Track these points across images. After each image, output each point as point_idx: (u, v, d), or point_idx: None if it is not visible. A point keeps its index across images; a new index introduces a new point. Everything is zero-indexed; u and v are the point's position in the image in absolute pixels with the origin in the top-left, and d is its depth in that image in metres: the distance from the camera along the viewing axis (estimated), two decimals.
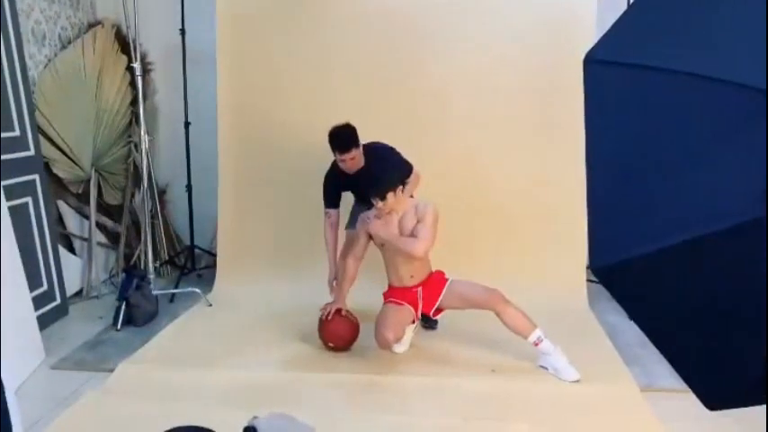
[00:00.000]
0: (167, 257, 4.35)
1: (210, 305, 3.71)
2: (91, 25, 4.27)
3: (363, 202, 3.16)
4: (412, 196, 3.15)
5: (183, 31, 3.99)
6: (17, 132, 3.31)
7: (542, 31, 3.71)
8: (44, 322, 3.30)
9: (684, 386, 0.94)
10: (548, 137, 3.77)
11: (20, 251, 2.96)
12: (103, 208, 4.23)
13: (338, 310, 3.02)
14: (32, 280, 3.21)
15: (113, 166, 4.18)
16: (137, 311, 3.44)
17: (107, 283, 4.16)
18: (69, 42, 4.06)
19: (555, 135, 3.74)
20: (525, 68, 3.75)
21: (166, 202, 4.51)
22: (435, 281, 2.96)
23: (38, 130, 3.55)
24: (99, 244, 4.12)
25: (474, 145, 3.81)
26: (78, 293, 3.95)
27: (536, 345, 2.78)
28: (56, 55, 3.96)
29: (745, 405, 0.94)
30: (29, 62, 3.59)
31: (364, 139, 3.12)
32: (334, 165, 3.16)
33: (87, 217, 4.07)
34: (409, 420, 2.43)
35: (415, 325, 3.06)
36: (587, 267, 3.57)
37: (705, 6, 0.84)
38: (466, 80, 3.77)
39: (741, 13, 0.79)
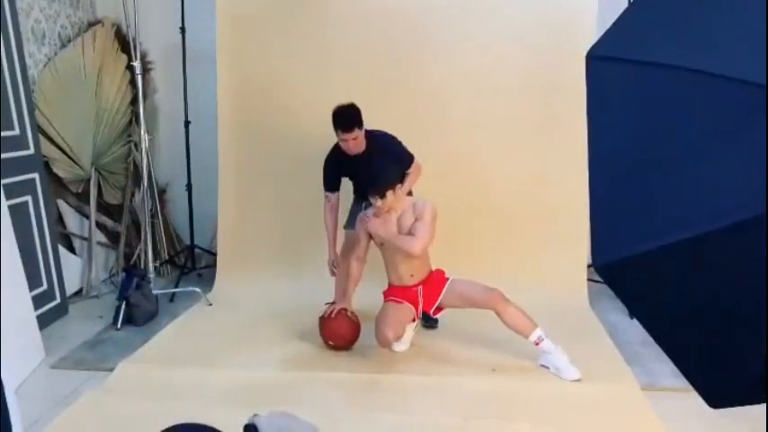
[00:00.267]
0: (167, 257, 4.35)
1: (211, 304, 3.71)
2: (91, 24, 4.27)
3: (361, 193, 3.16)
4: (410, 193, 3.16)
5: (183, 30, 3.99)
6: (17, 131, 3.31)
7: (542, 31, 3.71)
8: (44, 321, 3.29)
9: (685, 385, 0.94)
10: (548, 137, 3.76)
11: (19, 250, 2.96)
12: (103, 207, 4.22)
13: (342, 310, 3.01)
14: (32, 279, 3.20)
15: (113, 166, 4.17)
16: (137, 311, 3.43)
17: (107, 283, 4.15)
18: (69, 41, 4.06)
19: (555, 135, 3.74)
20: (525, 68, 3.75)
21: (166, 201, 4.51)
22: (436, 280, 2.96)
23: (38, 129, 3.55)
24: (99, 243, 4.12)
25: (474, 145, 3.81)
26: (78, 293, 3.94)
27: (537, 344, 2.78)
28: (56, 54, 3.95)
29: (746, 403, 0.94)
30: (28, 61, 3.59)
31: None
32: (335, 148, 3.16)
33: (87, 216, 4.06)
34: (410, 420, 2.43)
35: (415, 324, 3.06)
36: (588, 266, 3.58)
37: (705, 3, 0.84)
38: (466, 80, 3.77)
39: (741, 9, 0.79)
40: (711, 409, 0.97)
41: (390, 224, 2.90)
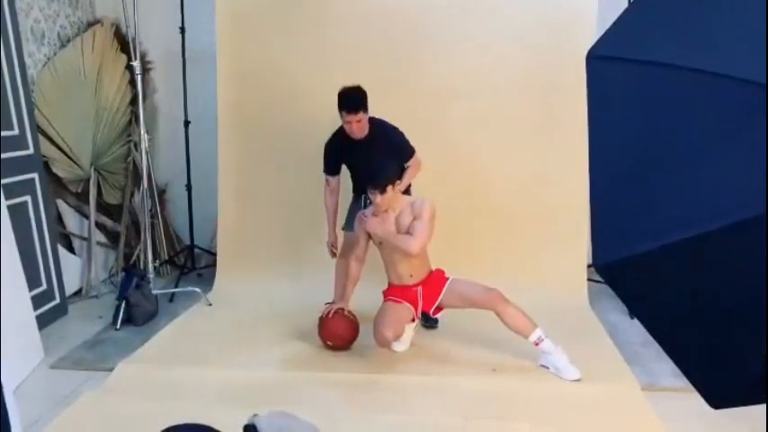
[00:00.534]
0: (167, 257, 4.34)
1: (210, 304, 3.71)
2: (90, 24, 4.27)
3: (359, 184, 3.17)
4: (409, 192, 3.15)
5: (182, 30, 3.98)
6: (16, 131, 3.31)
7: (542, 31, 3.71)
8: (43, 322, 3.29)
9: (686, 385, 0.93)
10: (548, 137, 3.76)
11: (19, 250, 2.96)
12: (103, 207, 4.22)
13: (340, 310, 3.01)
14: (32, 279, 3.20)
15: (113, 166, 4.17)
16: (136, 311, 3.43)
17: (106, 283, 4.15)
18: (68, 41, 4.06)
19: (555, 135, 3.74)
20: (525, 68, 3.75)
21: (166, 201, 4.51)
22: (435, 280, 2.95)
23: (37, 128, 3.55)
24: (98, 243, 4.12)
25: (474, 145, 3.81)
26: (78, 293, 3.94)
27: (537, 344, 2.78)
28: (55, 54, 3.95)
29: (747, 403, 0.94)
30: (28, 61, 3.59)
31: None
32: (337, 132, 3.16)
33: (87, 216, 4.06)
34: (410, 420, 2.43)
35: (415, 324, 3.06)
36: (588, 266, 3.58)
37: (705, 3, 0.84)
38: (466, 80, 3.77)
39: (741, 8, 0.79)
40: (711, 409, 0.96)
41: (389, 223, 2.90)
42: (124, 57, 4.17)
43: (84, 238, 4.07)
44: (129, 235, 4.29)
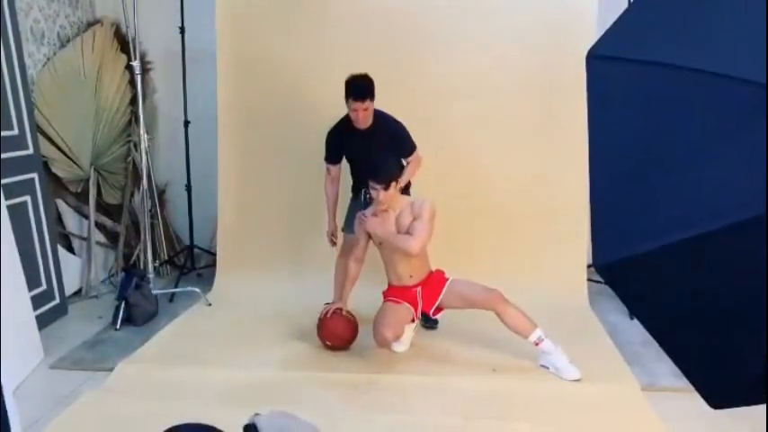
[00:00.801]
0: (167, 257, 4.34)
1: (210, 304, 3.71)
2: (90, 24, 4.27)
3: (358, 178, 3.16)
4: (408, 192, 3.15)
5: (182, 30, 3.98)
6: (16, 131, 3.31)
7: (543, 31, 3.71)
8: (43, 322, 3.29)
9: (685, 385, 0.93)
10: (548, 137, 3.76)
11: (19, 250, 2.95)
12: (103, 207, 4.22)
13: (338, 310, 3.01)
14: (31, 279, 3.20)
15: (113, 166, 4.17)
16: (136, 311, 3.43)
17: (106, 283, 4.15)
18: (68, 41, 4.06)
19: (555, 135, 3.74)
20: (525, 68, 3.75)
21: (166, 201, 4.51)
22: (435, 280, 2.95)
23: (37, 128, 3.54)
24: (98, 243, 4.12)
25: (474, 145, 3.81)
26: (77, 293, 3.94)
27: (537, 344, 2.78)
28: (55, 54, 3.95)
29: (747, 404, 0.94)
30: (27, 61, 3.59)
31: None
32: (341, 121, 3.16)
33: (86, 216, 4.06)
34: (410, 420, 2.43)
35: (415, 324, 3.06)
36: (588, 266, 3.58)
37: (705, 2, 0.84)
38: (466, 80, 3.77)
39: (741, 8, 0.79)
40: (711, 409, 0.96)
41: (388, 223, 2.90)
42: (124, 57, 4.17)
43: (84, 239, 4.07)
44: (128, 235, 4.29)
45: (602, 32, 0.89)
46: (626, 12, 0.91)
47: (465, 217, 3.74)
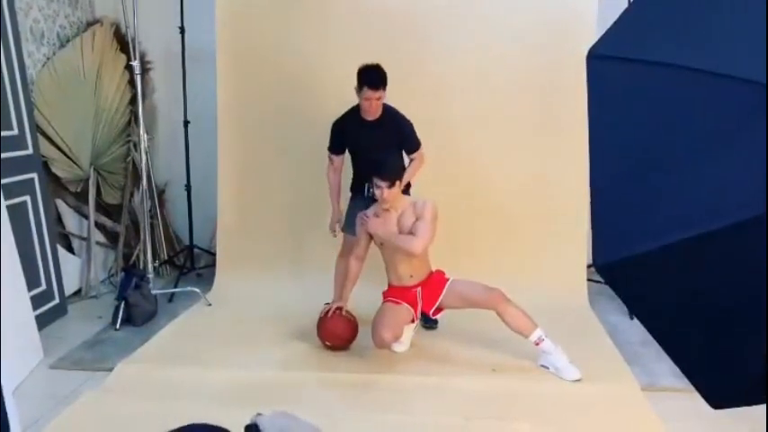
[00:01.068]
0: (166, 257, 4.34)
1: (210, 304, 3.71)
2: (90, 24, 4.26)
3: (360, 171, 3.16)
4: (408, 190, 3.15)
5: (182, 30, 3.98)
6: (15, 131, 3.30)
7: (542, 31, 3.71)
8: (43, 322, 3.29)
9: (685, 385, 0.93)
10: (548, 136, 3.76)
11: (18, 250, 2.95)
12: (102, 207, 4.22)
13: (338, 309, 3.01)
14: (31, 279, 3.20)
15: (112, 166, 4.17)
16: (136, 311, 3.43)
17: (106, 283, 4.15)
18: (68, 41, 4.05)
19: (555, 135, 3.74)
20: (525, 68, 3.75)
21: (165, 201, 4.51)
22: (435, 280, 2.95)
23: (36, 128, 3.54)
24: (98, 243, 4.12)
25: (474, 145, 3.81)
26: (77, 293, 3.94)
27: (537, 344, 2.78)
28: (54, 54, 3.94)
29: (747, 404, 0.94)
30: (27, 61, 3.58)
31: None
32: (348, 112, 3.16)
33: (86, 216, 4.06)
34: (410, 420, 2.43)
35: (414, 324, 3.06)
36: (588, 266, 3.58)
37: (705, 2, 0.84)
38: (466, 80, 3.77)
39: (741, 8, 0.79)
40: (711, 409, 0.96)
41: (390, 224, 2.90)
42: (124, 57, 4.17)
43: (84, 238, 4.07)
44: (128, 235, 4.29)
45: (603, 32, 0.89)
46: (626, 11, 0.91)
47: (465, 217, 3.74)
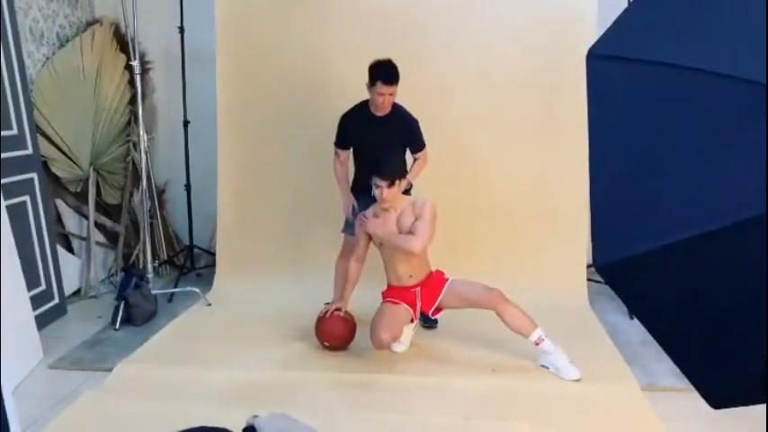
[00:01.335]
0: (166, 257, 4.34)
1: (209, 304, 3.71)
2: (89, 24, 4.26)
3: (364, 167, 3.15)
4: (409, 191, 3.15)
5: (181, 30, 3.98)
6: (15, 131, 3.30)
7: (542, 31, 3.71)
8: (42, 322, 3.29)
9: (685, 385, 0.93)
10: (548, 136, 3.76)
11: (18, 250, 2.95)
12: (102, 207, 4.22)
13: (336, 310, 3.01)
14: (31, 279, 3.20)
15: (112, 165, 4.17)
16: (135, 311, 3.43)
17: (106, 283, 4.15)
18: (68, 41, 4.05)
19: (555, 134, 3.74)
20: (525, 68, 3.75)
21: (165, 201, 4.51)
22: (435, 281, 2.95)
23: (36, 128, 3.54)
24: (98, 243, 4.12)
25: (474, 145, 3.81)
26: (77, 293, 3.94)
27: (537, 344, 2.78)
28: (54, 53, 3.94)
29: (747, 403, 0.94)
30: (27, 61, 3.58)
31: None
32: (356, 107, 3.17)
33: (86, 216, 4.06)
34: (410, 420, 2.43)
35: (414, 324, 3.06)
36: (588, 266, 3.58)
37: (705, 2, 0.84)
38: (466, 80, 3.77)
39: (741, 8, 0.79)
40: (711, 409, 0.96)
41: (389, 224, 2.90)
42: (123, 56, 4.17)
43: (84, 238, 4.07)
44: (128, 235, 4.29)
45: (602, 32, 0.89)
46: (626, 11, 0.91)
47: (465, 217, 3.74)
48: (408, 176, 3.06)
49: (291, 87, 3.84)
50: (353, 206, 3.23)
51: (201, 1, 3.87)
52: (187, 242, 4.30)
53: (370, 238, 2.98)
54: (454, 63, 3.77)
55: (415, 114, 3.21)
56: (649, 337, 0.89)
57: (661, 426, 2.38)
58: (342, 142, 3.25)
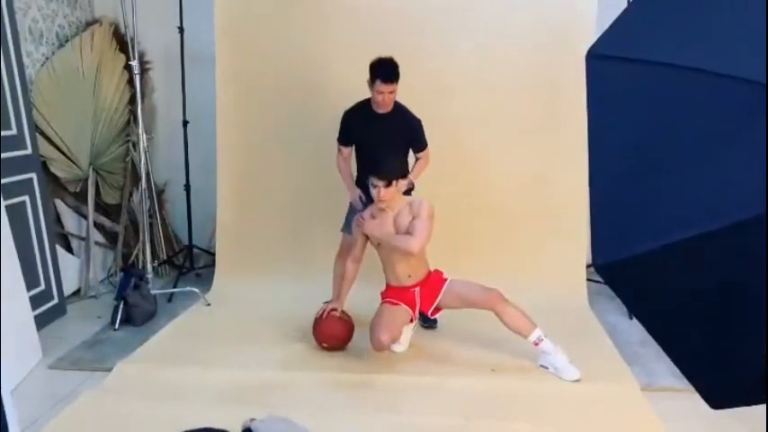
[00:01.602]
0: (166, 257, 4.34)
1: (209, 304, 3.71)
2: (89, 23, 4.26)
3: (365, 165, 3.15)
4: (410, 191, 3.15)
5: (181, 30, 3.97)
6: (14, 131, 3.30)
7: (543, 31, 3.71)
8: (42, 322, 3.28)
9: (685, 385, 0.93)
10: (548, 135, 3.76)
11: (17, 250, 2.95)
12: (101, 207, 4.21)
13: (333, 310, 3.00)
14: (30, 279, 3.19)
15: (111, 165, 4.16)
16: (135, 311, 3.43)
17: (105, 283, 4.15)
18: (67, 41, 4.05)
19: (555, 134, 3.74)
20: (525, 67, 3.75)
21: (165, 201, 4.50)
22: (434, 281, 2.95)
23: (35, 128, 3.54)
24: (97, 243, 4.11)
25: (474, 144, 3.81)
26: (76, 293, 3.93)
27: (536, 344, 2.77)
28: (53, 53, 3.94)
29: (747, 404, 0.94)
30: (26, 60, 3.58)
31: None
32: (359, 104, 3.17)
33: (85, 216, 4.05)
34: (410, 420, 2.42)
35: (413, 324, 3.05)
36: (588, 266, 3.58)
37: (705, 2, 0.84)
38: (466, 79, 3.77)
39: (741, 8, 0.79)
40: (711, 410, 0.96)
41: (387, 224, 2.89)
42: (123, 56, 4.16)
43: (83, 238, 4.06)
44: (127, 235, 4.28)
45: (602, 31, 0.89)
46: (625, 11, 0.90)
47: (465, 216, 3.74)
48: (410, 176, 3.06)
49: (291, 87, 3.83)
50: (360, 196, 3.22)
51: (201, 1, 3.87)
52: (186, 242, 4.30)
53: (367, 238, 2.98)
54: (454, 62, 3.77)
55: (415, 114, 3.21)
56: (649, 337, 0.89)
57: (661, 426, 2.38)
58: (344, 138, 3.26)
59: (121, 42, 4.21)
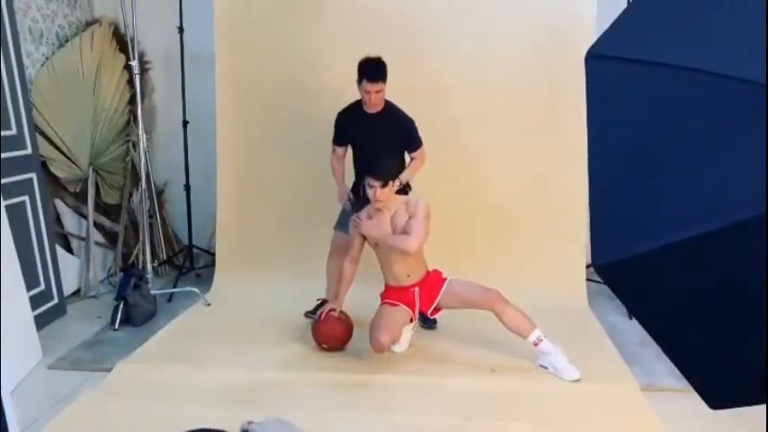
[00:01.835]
0: (165, 257, 4.34)
1: (209, 305, 3.71)
2: (89, 23, 4.26)
3: (360, 164, 3.15)
4: (408, 191, 3.15)
5: (181, 30, 3.97)
6: (14, 131, 3.30)
7: (542, 31, 3.71)
8: (42, 322, 3.28)
9: (685, 385, 0.93)
10: (548, 136, 3.76)
11: (17, 250, 2.95)
12: (101, 207, 4.21)
13: (331, 311, 3.00)
14: (30, 279, 3.19)
15: (111, 166, 4.16)
16: (135, 311, 3.43)
17: (105, 283, 4.15)
18: (67, 41, 4.05)
19: (555, 135, 3.74)
20: (525, 68, 3.75)
21: (165, 201, 4.50)
22: (433, 280, 2.94)
23: (35, 128, 3.54)
24: (97, 243, 4.11)
25: (474, 145, 3.81)
26: (76, 293, 3.93)
27: (536, 345, 2.77)
28: (53, 53, 3.94)
29: (747, 404, 0.94)
30: (26, 60, 3.58)
31: None
32: (351, 105, 3.19)
33: (85, 216, 4.05)
34: (409, 420, 2.42)
35: (413, 324, 3.05)
36: (588, 266, 3.58)
37: (705, 3, 0.84)
38: (466, 80, 3.77)
39: (741, 8, 0.79)
40: (711, 410, 0.96)
41: (383, 225, 2.89)
42: (123, 56, 4.16)
43: (83, 239, 4.06)
44: (127, 235, 4.28)
45: (602, 32, 0.89)
46: (625, 11, 0.91)
47: (464, 217, 3.74)
48: (401, 176, 3.04)
49: (291, 88, 3.84)
50: (348, 195, 3.25)
51: (201, 1, 3.87)
52: (186, 242, 4.30)
53: (364, 238, 2.98)
54: (454, 64, 3.77)
55: (414, 115, 3.20)
56: (649, 337, 0.89)
57: (661, 426, 2.38)
58: (337, 138, 3.27)
59: (121, 42, 4.21)
